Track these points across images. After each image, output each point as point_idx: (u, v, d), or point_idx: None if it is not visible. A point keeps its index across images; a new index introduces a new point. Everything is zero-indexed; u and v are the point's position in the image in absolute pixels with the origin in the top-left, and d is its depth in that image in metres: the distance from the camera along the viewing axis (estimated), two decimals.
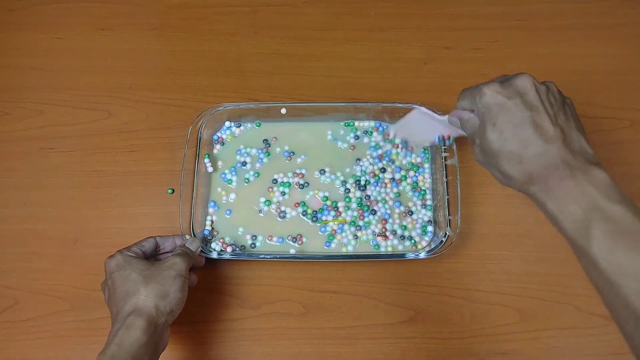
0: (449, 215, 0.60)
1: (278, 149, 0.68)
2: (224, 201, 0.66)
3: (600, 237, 0.34)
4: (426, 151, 0.67)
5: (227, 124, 0.69)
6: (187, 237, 0.59)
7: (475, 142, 0.46)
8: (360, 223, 0.64)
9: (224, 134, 0.69)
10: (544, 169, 0.39)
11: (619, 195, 0.36)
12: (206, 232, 0.64)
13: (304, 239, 0.63)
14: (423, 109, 0.61)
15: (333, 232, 0.64)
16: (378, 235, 0.63)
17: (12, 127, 0.72)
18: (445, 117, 0.55)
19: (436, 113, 0.59)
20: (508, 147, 0.41)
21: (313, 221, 0.64)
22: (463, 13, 0.78)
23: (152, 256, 0.59)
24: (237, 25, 0.78)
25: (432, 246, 0.61)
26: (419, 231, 0.64)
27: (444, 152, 0.63)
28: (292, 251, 0.62)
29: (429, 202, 0.65)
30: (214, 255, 0.60)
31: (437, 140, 0.61)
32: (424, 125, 0.61)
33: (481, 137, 0.43)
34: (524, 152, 0.40)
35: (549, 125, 0.40)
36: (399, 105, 0.66)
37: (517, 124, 0.40)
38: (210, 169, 0.66)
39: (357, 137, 0.68)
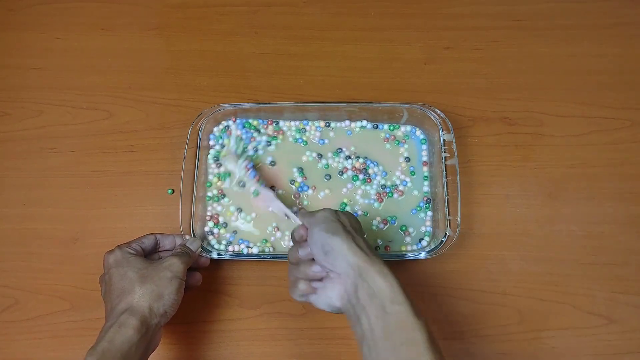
0: (449, 215, 0.60)
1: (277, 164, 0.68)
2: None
3: None
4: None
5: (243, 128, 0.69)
6: (187, 237, 0.59)
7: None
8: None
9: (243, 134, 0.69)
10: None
11: None
12: (207, 229, 0.64)
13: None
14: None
15: None
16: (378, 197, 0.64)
17: (12, 127, 0.72)
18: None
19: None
20: None
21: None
22: (463, 13, 0.78)
23: (152, 253, 0.59)
24: (237, 25, 0.78)
25: (432, 246, 0.61)
26: (420, 231, 0.64)
27: (444, 152, 0.63)
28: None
29: (429, 203, 0.65)
30: (214, 255, 0.60)
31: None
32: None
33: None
34: None
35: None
36: (399, 105, 0.66)
37: None
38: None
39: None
